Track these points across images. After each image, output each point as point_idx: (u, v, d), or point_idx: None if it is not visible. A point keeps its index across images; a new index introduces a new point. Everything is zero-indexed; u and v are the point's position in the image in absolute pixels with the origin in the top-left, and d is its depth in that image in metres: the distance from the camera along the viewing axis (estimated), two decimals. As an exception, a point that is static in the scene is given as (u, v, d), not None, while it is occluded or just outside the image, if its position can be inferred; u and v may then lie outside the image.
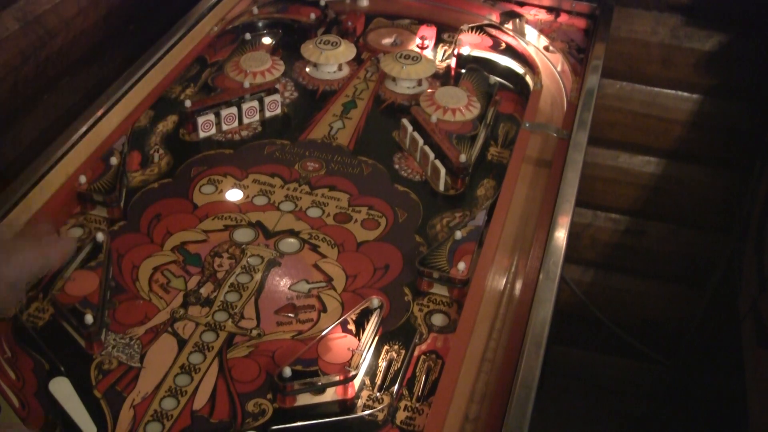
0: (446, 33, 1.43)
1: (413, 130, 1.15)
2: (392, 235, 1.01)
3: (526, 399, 0.76)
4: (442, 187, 1.09)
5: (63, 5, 1.21)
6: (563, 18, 1.50)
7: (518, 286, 0.95)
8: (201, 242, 0.98)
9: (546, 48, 1.41)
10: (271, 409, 0.79)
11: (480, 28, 1.40)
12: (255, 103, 1.19)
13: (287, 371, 0.78)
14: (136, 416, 0.78)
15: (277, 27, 1.41)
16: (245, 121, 1.19)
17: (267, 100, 1.20)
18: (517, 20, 1.44)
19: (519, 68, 1.32)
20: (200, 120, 1.15)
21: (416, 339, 0.87)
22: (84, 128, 1.09)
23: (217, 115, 1.16)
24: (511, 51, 1.36)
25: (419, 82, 1.29)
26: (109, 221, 1.01)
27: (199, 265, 0.95)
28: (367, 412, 0.79)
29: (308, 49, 1.31)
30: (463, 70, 1.32)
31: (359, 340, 0.84)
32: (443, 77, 1.33)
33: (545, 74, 1.32)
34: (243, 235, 0.99)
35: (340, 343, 0.84)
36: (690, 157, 1.78)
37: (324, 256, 0.97)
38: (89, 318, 0.83)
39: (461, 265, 0.92)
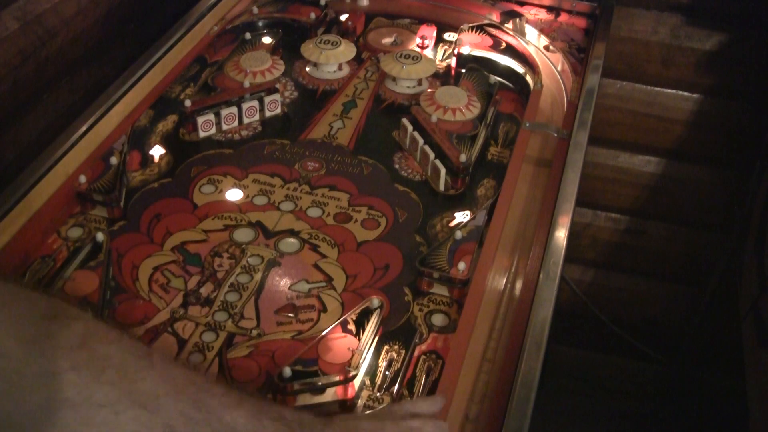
0: (447, 32, 1.43)
1: (413, 129, 1.15)
2: (392, 235, 1.01)
3: (526, 399, 0.76)
4: (442, 187, 1.09)
5: (63, 5, 1.21)
6: (563, 17, 1.50)
7: (518, 286, 0.95)
8: (201, 242, 0.98)
9: (546, 47, 1.41)
10: (271, 409, 0.79)
11: (480, 28, 1.40)
12: (255, 103, 1.19)
13: (287, 371, 0.78)
14: (136, 416, 0.77)
15: (277, 26, 1.41)
16: (245, 120, 1.19)
17: (267, 99, 1.20)
18: (518, 20, 1.44)
19: (519, 68, 1.32)
20: (200, 120, 1.15)
21: (416, 339, 0.87)
22: (84, 128, 1.09)
23: (217, 114, 1.16)
24: (511, 50, 1.36)
25: (419, 82, 1.29)
26: (109, 221, 1.01)
27: (199, 265, 0.95)
28: (367, 412, 0.79)
29: (308, 49, 1.31)
30: (463, 70, 1.32)
31: (359, 340, 0.84)
32: (443, 77, 1.33)
33: (545, 74, 1.32)
34: (243, 235, 0.99)
35: (340, 343, 0.84)
36: (690, 157, 1.78)
37: (324, 256, 0.97)
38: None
39: (461, 265, 0.92)
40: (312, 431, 0.65)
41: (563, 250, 0.94)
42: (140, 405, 0.56)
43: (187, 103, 1.15)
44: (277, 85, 1.22)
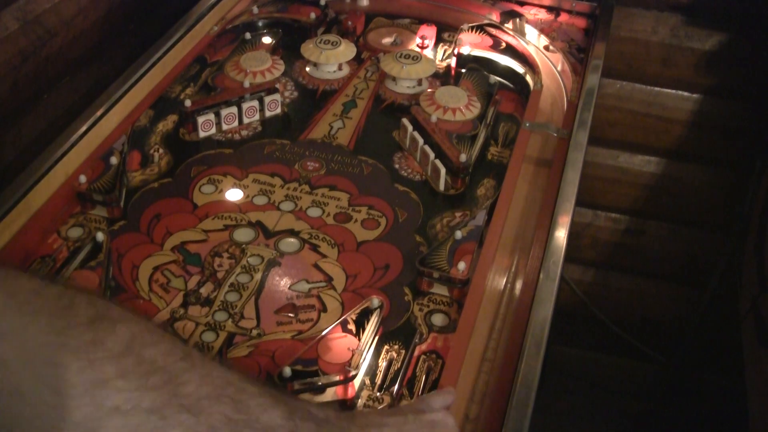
0: (447, 32, 1.43)
1: (413, 129, 1.15)
2: (392, 234, 1.01)
3: (526, 399, 0.76)
4: (442, 187, 1.09)
5: (63, 5, 1.21)
6: (563, 17, 1.50)
7: (518, 286, 0.95)
8: (201, 242, 0.98)
9: (546, 47, 1.41)
10: (271, 409, 0.79)
11: (480, 28, 1.40)
12: (255, 103, 1.19)
13: (287, 371, 0.78)
14: (136, 416, 0.77)
15: (277, 26, 1.41)
16: (245, 120, 1.19)
17: (267, 99, 1.20)
18: (518, 20, 1.44)
19: (519, 68, 1.32)
20: (200, 120, 1.15)
21: (416, 339, 0.87)
22: (84, 128, 1.09)
23: (217, 114, 1.16)
24: (511, 50, 1.36)
25: (419, 82, 1.29)
26: (109, 221, 1.01)
27: (199, 264, 0.95)
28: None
29: (308, 49, 1.31)
30: (463, 70, 1.32)
31: (359, 340, 0.84)
32: (443, 77, 1.33)
33: (545, 74, 1.32)
34: (243, 234, 0.99)
35: (340, 343, 0.84)
36: (690, 157, 1.78)
37: (324, 256, 0.97)
38: (89, 318, 0.83)
39: (461, 265, 0.92)
40: (338, 428, 0.66)
41: (563, 250, 0.94)
42: (185, 409, 0.56)
43: (187, 103, 1.15)
44: (277, 85, 1.22)
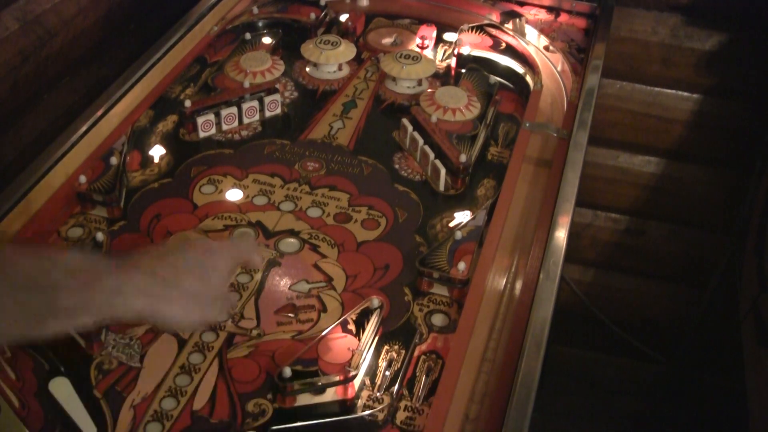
0: (447, 32, 1.43)
1: (413, 129, 1.15)
2: (392, 235, 1.01)
3: (526, 399, 0.76)
4: (442, 187, 1.09)
5: (63, 5, 1.21)
6: (563, 18, 1.50)
7: (518, 286, 0.95)
8: (201, 242, 0.98)
9: (546, 48, 1.41)
10: (271, 409, 0.79)
11: (480, 28, 1.40)
12: (255, 103, 1.19)
13: (287, 371, 0.78)
14: (136, 416, 0.78)
15: (277, 27, 1.41)
16: (245, 120, 1.19)
17: (267, 99, 1.20)
18: (518, 20, 1.44)
19: (519, 68, 1.32)
20: (200, 120, 1.15)
21: (416, 339, 0.87)
22: (84, 128, 1.10)
23: (217, 114, 1.16)
24: (511, 51, 1.36)
25: (419, 82, 1.29)
26: (108, 221, 1.01)
27: (199, 265, 0.94)
28: (367, 412, 0.79)
29: (308, 49, 1.31)
30: (463, 70, 1.32)
31: (359, 340, 0.84)
32: (443, 77, 1.33)
33: (545, 74, 1.32)
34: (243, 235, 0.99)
35: (340, 343, 0.84)
36: (690, 157, 1.78)
37: (324, 256, 0.97)
38: (89, 318, 0.83)
39: (461, 265, 0.92)
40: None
41: (563, 250, 0.94)
42: None
43: (187, 103, 1.15)
44: (277, 85, 1.22)
